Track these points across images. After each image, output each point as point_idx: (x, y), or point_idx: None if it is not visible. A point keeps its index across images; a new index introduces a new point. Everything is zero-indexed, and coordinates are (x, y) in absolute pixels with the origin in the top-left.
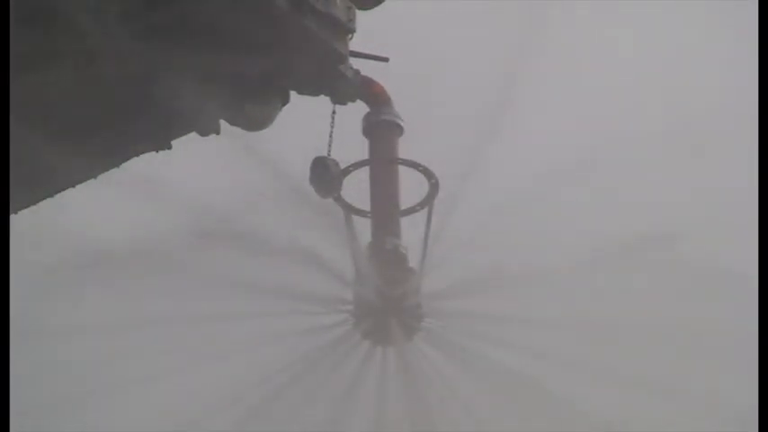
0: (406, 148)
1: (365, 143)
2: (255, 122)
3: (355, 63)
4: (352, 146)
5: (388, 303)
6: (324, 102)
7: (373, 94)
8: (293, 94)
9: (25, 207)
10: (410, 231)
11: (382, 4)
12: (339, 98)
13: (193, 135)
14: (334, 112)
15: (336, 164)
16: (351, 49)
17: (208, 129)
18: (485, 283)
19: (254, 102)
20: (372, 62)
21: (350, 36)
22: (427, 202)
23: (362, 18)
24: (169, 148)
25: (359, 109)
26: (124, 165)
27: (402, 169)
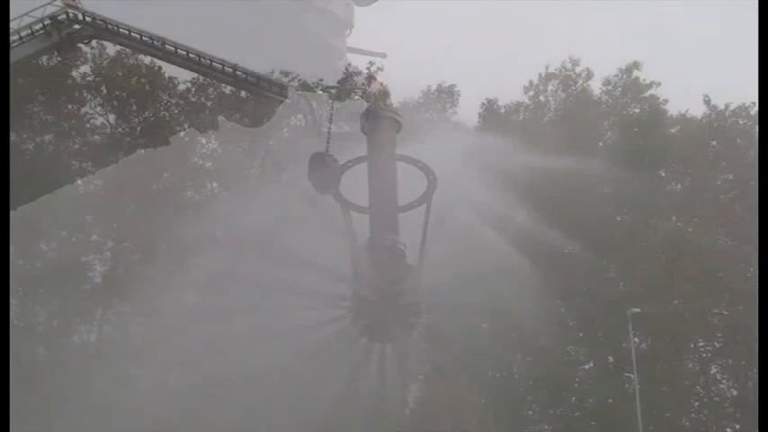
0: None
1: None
2: (254, 118)
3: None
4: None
5: (385, 301)
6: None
7: (372, 91)
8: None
9: (24, 203)
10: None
11: (379, 1)
12: (337, 95)
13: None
14: (332, 109)
15: (334, 160)
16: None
17: (206, 125)
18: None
19: (252, 98)
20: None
21: (348, 32)
22: (426, 198)
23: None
24: (167, 144)
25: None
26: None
27: (400, 165)
